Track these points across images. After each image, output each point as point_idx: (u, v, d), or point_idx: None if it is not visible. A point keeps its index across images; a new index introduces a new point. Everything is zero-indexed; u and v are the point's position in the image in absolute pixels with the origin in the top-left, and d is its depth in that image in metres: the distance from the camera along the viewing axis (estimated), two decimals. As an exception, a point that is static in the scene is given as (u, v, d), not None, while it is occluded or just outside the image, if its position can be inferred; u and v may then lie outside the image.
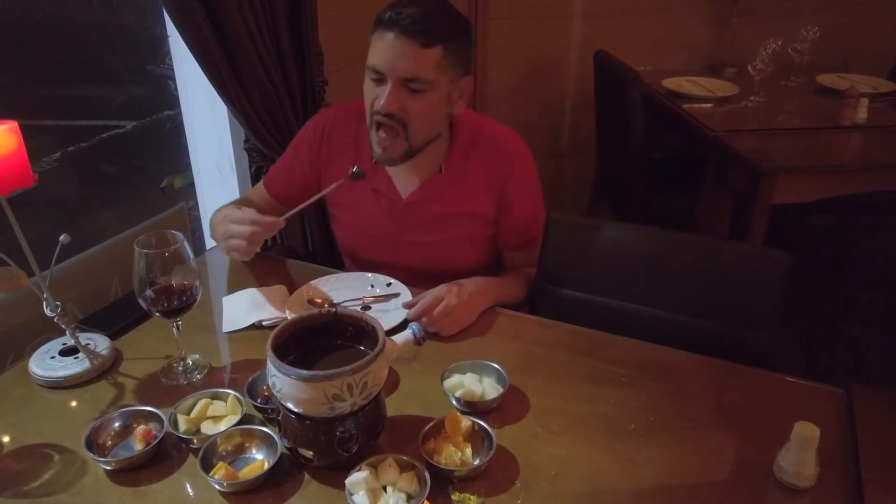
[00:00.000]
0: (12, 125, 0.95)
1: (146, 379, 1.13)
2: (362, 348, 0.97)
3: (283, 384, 0.86)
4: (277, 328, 0.92)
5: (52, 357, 1.12)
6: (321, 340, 0.97)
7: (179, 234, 1.04)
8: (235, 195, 2.02)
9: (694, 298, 1.27)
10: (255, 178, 1.88)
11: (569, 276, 1.37)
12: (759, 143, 2.20)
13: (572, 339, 1.23)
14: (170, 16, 1.42)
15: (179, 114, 2.21)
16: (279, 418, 0.92)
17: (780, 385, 1.11)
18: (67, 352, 1.13)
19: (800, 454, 0.89)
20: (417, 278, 1.35)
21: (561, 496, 0.90)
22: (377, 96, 1.23)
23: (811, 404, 1.06)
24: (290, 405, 0.88)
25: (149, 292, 1.04)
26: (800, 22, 2.73)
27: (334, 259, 1.71)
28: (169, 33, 1.90)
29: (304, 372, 0.84)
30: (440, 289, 1.22)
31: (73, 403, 1.07)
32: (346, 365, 0.85)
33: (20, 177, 0.96)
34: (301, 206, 1.28)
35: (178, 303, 1.05)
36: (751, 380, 1.12)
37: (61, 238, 1.06)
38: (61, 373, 1.09)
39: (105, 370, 1.13)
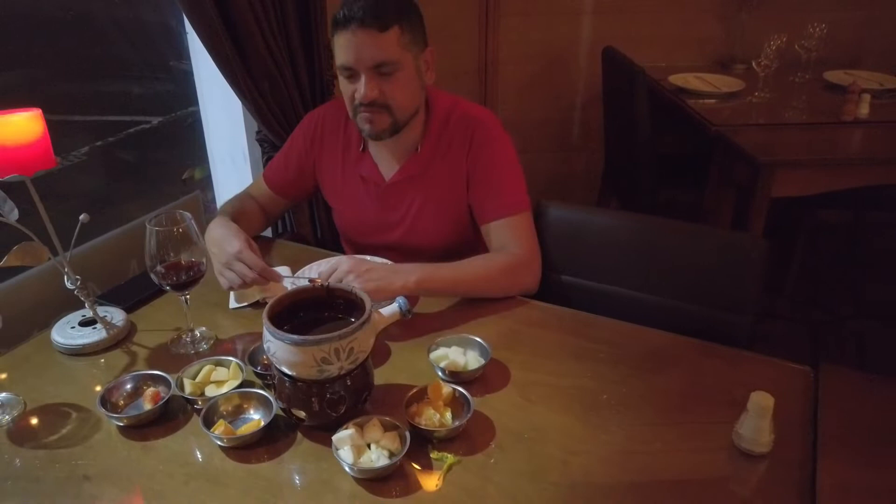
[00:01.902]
0: (37, 112, 1.04)
1: (157, 348, 1.22)
2: (353, 320, 1.04)
3: (277, 348, 0.94)
4: (273, 300, 1.00)
5: (73, 327, 1.22)
6: (315, 313, 1.05)
7: (188, 214, 1.13)
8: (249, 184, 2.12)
9: (676, 282, 1.33)
10: (268, 168, 1.98)
11: (559, 260, 1.44)
12: (760, 137, 2.24)
13: (558, 319, 1.30)
14: (182, 9, 1.51)
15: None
16: (275, 382, 1.00)
17: (748, 362, 1.16)
18: (86, 323, 1.23)
19: (756, 422, 0.95)
20: (405, 257, 1.43)
21: (533, 457, 0.97)
22: (355, 90, 1.31)
23: (777, 380, 1.11)
24: (284, 368, 0.96)
25: (159, 268, 1.13)
26: (810, 17, 2.75)
27: (341, 246, 1.79)
28: (187, 29, 2.00)
29: (296, 337, 0.92)
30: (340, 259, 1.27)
31: (90, 369, 1.17)
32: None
33: (43, 159, 1.05)
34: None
35: (187, 277, 1.14)
36: (722, 357, 1.17)
37: (81, 217, 1.15)
38: (80, 341, 1.19)
39: (120, 340, 1.23)
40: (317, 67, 1.86)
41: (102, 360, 1.18)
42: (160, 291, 1.36)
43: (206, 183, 3.10)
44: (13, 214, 1.07)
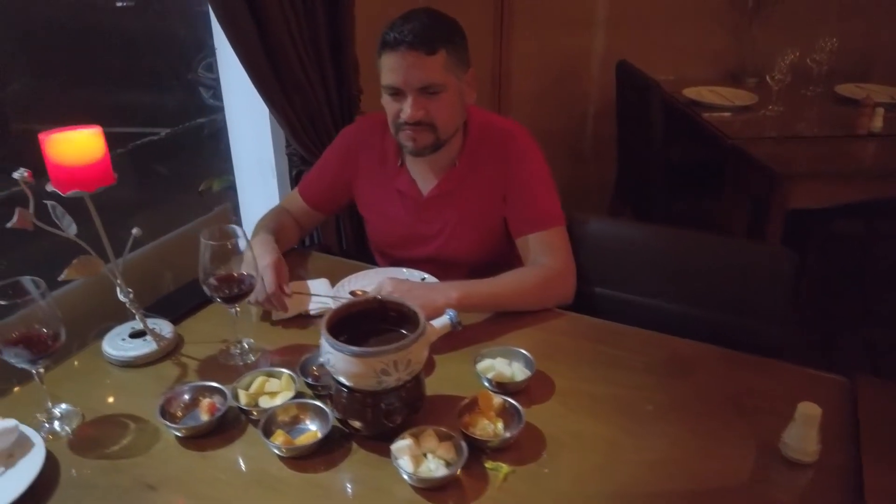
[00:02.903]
0: (97, 130, 1.07)
1: (205, 360, 1.24)
2: (403, 332, 1.07)
3: (337, 360, 0.97)
4: (330, 312, 1.03)
5: (123, 339, 1.24)
6: (367, 324, 1.07)
7: (239, 229, 1.16)
8: (275, 198, 2.15)
9: (706, 293, 1.36)
10: (295, 182, 2.01)
11: (590, 271, 1.46)
12: (775, 150, 2.28)
13: (593, 330, 1.33)
14: (223, 28, 1.54)
15: (213, 120, 2.33)
16: (332, 392, 1.03)
17: (786, 373, 1.19)
18: (136, 335, 1.25)
19: (803, 431, 0.98)
20: (439, 269, 1.46)
21: (583, 466, 1.00)
22: (400, 109, 1.35)
23: (815, 390, 1.13)
24: (342, 379, 0.99)
25: (212, 280, 1.15)
26: (819, 31, 2.80)
27: (366, 256, 1.82)
28: (216, 45, 2.04)
29: (356, 349, 0.95)
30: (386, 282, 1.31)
31: (143, 380, 1.19)
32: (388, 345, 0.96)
33: (104, 176, 1.08)
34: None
35: (238, 290, 1.17)
36: (759, 368, 1.20)
37: (134, 231, 1.18)
38: (132, 353, 1.21)
39: (169, 352, 1.25)
40: (345, 84, 1.89)
41: (154, 372, 1.21)
42: (202, 303, 1.39)
43: (227, 194, 3.13)
44: (72, 229, 1.09)
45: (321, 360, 1.15)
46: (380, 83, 1.38)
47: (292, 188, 2.11)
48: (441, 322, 1.09)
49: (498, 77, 3.16)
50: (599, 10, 3.06)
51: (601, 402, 1.12)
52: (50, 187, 1.07)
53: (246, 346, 1.25)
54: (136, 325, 1.26)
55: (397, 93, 1.34)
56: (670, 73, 3.06)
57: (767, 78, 2.66)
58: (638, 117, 2.71)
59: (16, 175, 1.01)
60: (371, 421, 1.01)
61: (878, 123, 2.37)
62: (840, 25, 2.91)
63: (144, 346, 1.22)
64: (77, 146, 1.04)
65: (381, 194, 1.53)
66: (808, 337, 2.66)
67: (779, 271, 1.28)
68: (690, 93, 2.82)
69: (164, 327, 1.28)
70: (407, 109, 1.33)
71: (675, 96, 2.83)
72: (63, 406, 1.09)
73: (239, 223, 2.36)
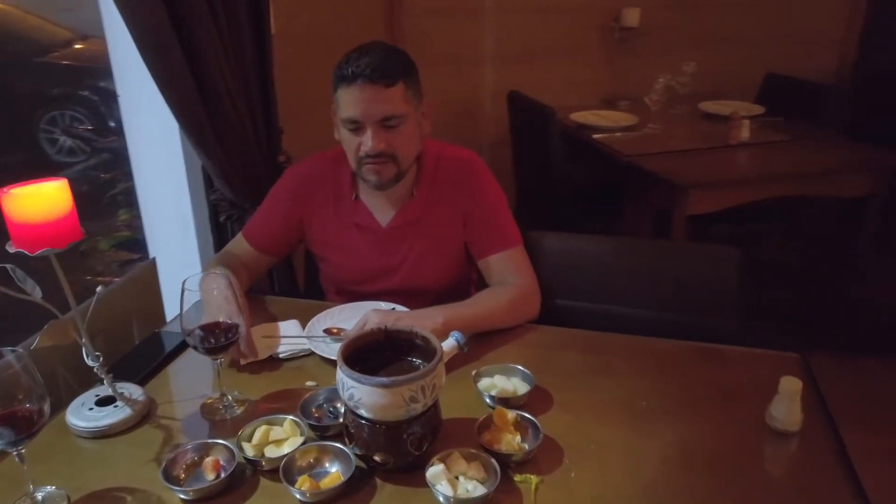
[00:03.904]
0: (63, 182, 0.99)
1: (187, 418, 1.16)
2: (410, 359, 1.07)
3: (363, 394, 0.94)
4: (341, 347, 1.01)
5: (90, 409, 1.13)
6: (374, 357, 1.06)
7: (225, 275, 1.10)
8: (194, 249, 2.05)
9: (663, 295, 1.46)
10: (223, 229, 1.92)
11: (552, 286, 1.52)
12: (668, 163, 2.49)
13: (571, 340, 1.38)
14: (156, 73, 1.47)
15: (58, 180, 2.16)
16: (350, 429, 1.00)
17: (750, 357, 1.31)
18: (102, 402, 1.15)
19: (788, 404, 1.08)
20: (405, 300, 1.47)
21: (606, 468, 1.03)
22: (361, 142, 1.36)
23: (777, 368, 1.24)
24: (363, 413, 0.96)
25: (198, 331, 1.09)
26: (678, 57, 3.12)
27: (298, 297, 1.78)
28: (119, 91, 1.93)
29: (386, 379, 0.93)
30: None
31: (122, 449, 1.09)
32: (402, 374, 0.95)
33: (73, 231, 0.99)
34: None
35: (225, 340, 1.11)
36: (727, 356, 1.31)
37: (98, 290, 1.10)
38: (105, 422, 1.10)
39: (144, 415, 1.15)
40: (271, 121, 1.85)
41: (132, 439, 1.11)
42: (163, 361, 1.30)
43: (115, 253, 2.90)
44: (36, 292, 1.00)
45: (322, 400, 1.13)
46: (337, 117, 1.38)
47: (215, 238, 2.02)
48: (448, 345, 1.10)
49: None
50: (486, 47, 3.22)
51: (602, 407, 1.17)
52: (12, 247, 0.97)
53: (230, 399, 1.18)
54: (102, 391, 1.16)
55: (357, 127, 1.34)
56: (553, 101, 3.26)
57: (646, 99, 2.92)
58: (535, 143, 2.85)
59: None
60: (398, 452, 0.99)
61: (745, 134, 2.67)
62: (692, 52, 3.25)
63: (118, 413, 1.12)
64: (43, 201, 0.96)
65: (338, 230, 1.51)
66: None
67: (726, 268, 1.40)
68: (578, 117, 3.03)
69: (134, 391, 1.18)
70: (368, 142, 1.33)
71: (563, 121, 3.02)
72: (47, 490, 0.97)
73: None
